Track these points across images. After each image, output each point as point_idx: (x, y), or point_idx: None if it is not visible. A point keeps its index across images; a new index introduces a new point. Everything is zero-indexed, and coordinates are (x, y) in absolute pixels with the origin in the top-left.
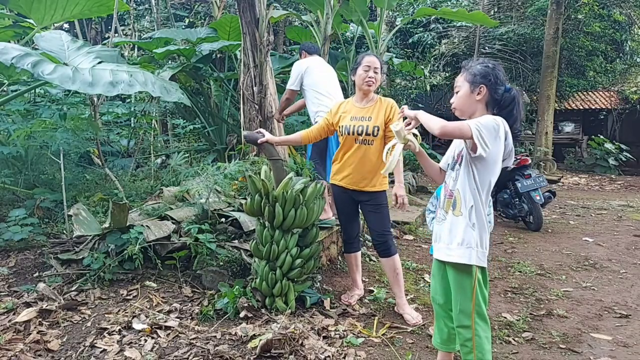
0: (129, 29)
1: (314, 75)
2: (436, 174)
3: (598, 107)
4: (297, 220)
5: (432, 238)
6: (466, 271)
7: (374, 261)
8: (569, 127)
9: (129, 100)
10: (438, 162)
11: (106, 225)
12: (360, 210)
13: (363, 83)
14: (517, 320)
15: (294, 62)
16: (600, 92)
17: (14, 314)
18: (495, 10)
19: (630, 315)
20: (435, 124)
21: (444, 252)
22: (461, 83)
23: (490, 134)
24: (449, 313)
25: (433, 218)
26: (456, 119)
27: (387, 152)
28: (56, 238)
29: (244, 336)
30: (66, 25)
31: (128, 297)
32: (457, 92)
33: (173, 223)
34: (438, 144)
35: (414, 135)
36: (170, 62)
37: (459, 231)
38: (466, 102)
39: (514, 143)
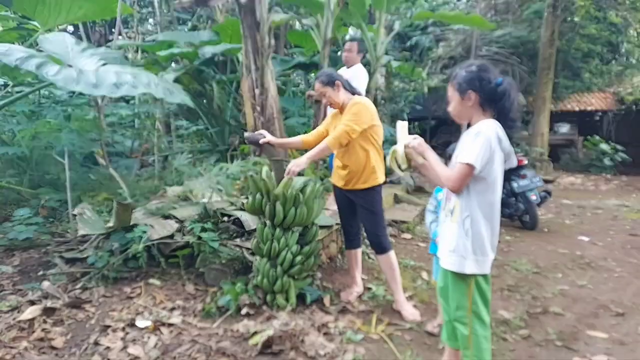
0: (133, 32)
1: (363, 86)
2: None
3: (594, 109)
4: (297, 219)
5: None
6: (460, 277)
7: (373, 259)
8: (564, 128)
9: (132, 101)
10: None
11: (110, 224)
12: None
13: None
14: (513, 317)
15: (295, 64)
16: (596, 94)
17: (18, 312)
18: (492, 13)
19: (625, 313)
20: (445, 179)
21: (442, 256)
22: (451, 93)
23: (486, 157)
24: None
25: (432, 221)
26: (456, 123)
27: (392, 156)
28: (61, 237)
29: (246, 333)
30: (70, 28)
31: (132, 295)
32: (450, 102)
33: (176, 222)
34: (434, 145)
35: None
36: (173, 64)
37: (453, 238)
38: (461, 110)
39: (511, 140)
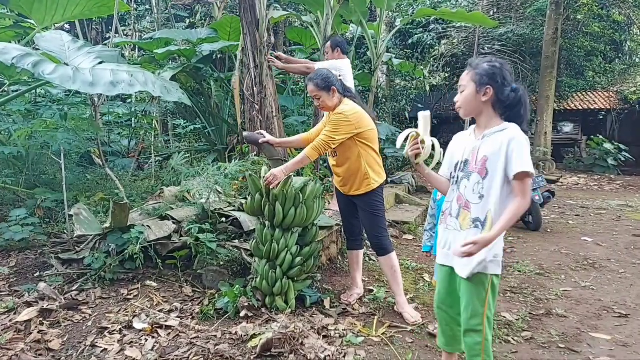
0: (130, 30)
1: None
2: (445, 186)
3: (597, 108)
4: (297, 219)
5: (440, 243)
6: (483, 279)
7: (374, 261)
8: (568, 127)
9: (129, 100)
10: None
11: (107, 225)
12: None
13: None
14: (516, 319)
15: None
16: (600, 93)
17: (14, 313)
18: (495, 10)
19: (629, 314)
20: (524, 205)
21: (466, 266)
22: (466, 82)
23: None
24: (456, 317)
25: (430, 228)
26: (458, 117)
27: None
28: (57, 238)
29: (244, 335)
30: (67, 26)
31: (129, 297)
32: (461, 92)
33: (174, 223)
34: None
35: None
36: (171, 62)
37: (491, 247)
38: (471, 103)
39: None
